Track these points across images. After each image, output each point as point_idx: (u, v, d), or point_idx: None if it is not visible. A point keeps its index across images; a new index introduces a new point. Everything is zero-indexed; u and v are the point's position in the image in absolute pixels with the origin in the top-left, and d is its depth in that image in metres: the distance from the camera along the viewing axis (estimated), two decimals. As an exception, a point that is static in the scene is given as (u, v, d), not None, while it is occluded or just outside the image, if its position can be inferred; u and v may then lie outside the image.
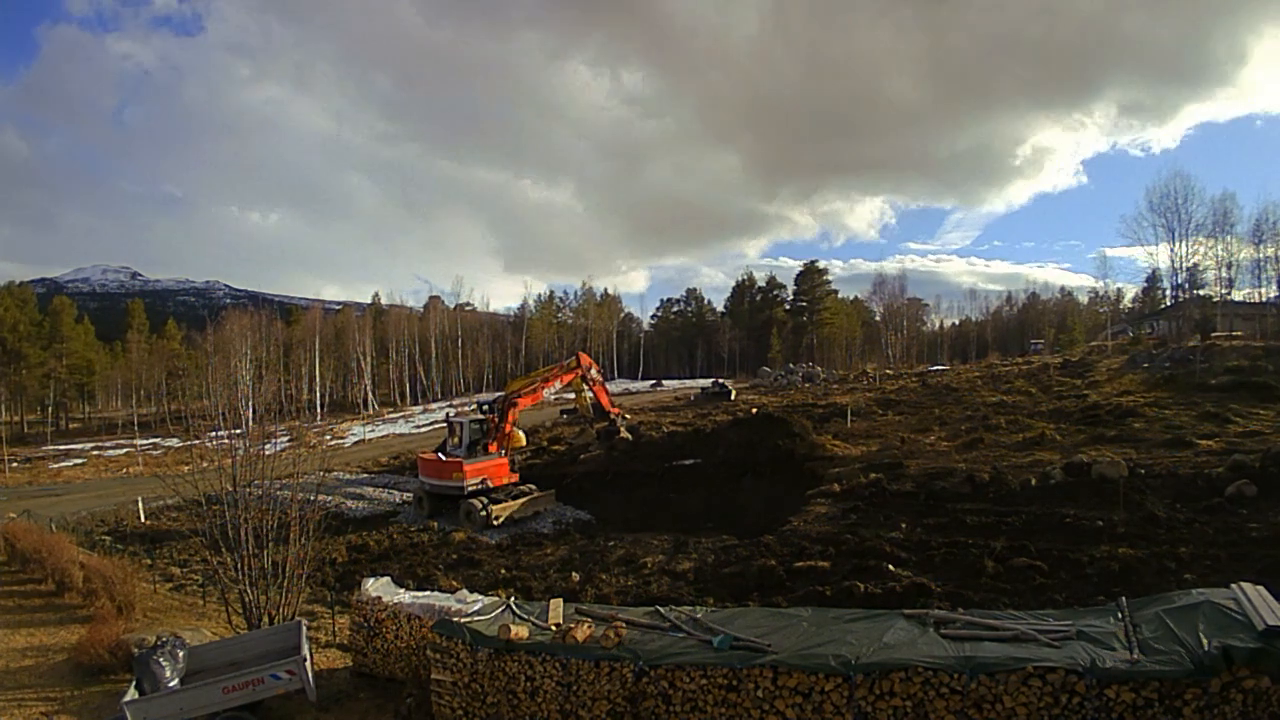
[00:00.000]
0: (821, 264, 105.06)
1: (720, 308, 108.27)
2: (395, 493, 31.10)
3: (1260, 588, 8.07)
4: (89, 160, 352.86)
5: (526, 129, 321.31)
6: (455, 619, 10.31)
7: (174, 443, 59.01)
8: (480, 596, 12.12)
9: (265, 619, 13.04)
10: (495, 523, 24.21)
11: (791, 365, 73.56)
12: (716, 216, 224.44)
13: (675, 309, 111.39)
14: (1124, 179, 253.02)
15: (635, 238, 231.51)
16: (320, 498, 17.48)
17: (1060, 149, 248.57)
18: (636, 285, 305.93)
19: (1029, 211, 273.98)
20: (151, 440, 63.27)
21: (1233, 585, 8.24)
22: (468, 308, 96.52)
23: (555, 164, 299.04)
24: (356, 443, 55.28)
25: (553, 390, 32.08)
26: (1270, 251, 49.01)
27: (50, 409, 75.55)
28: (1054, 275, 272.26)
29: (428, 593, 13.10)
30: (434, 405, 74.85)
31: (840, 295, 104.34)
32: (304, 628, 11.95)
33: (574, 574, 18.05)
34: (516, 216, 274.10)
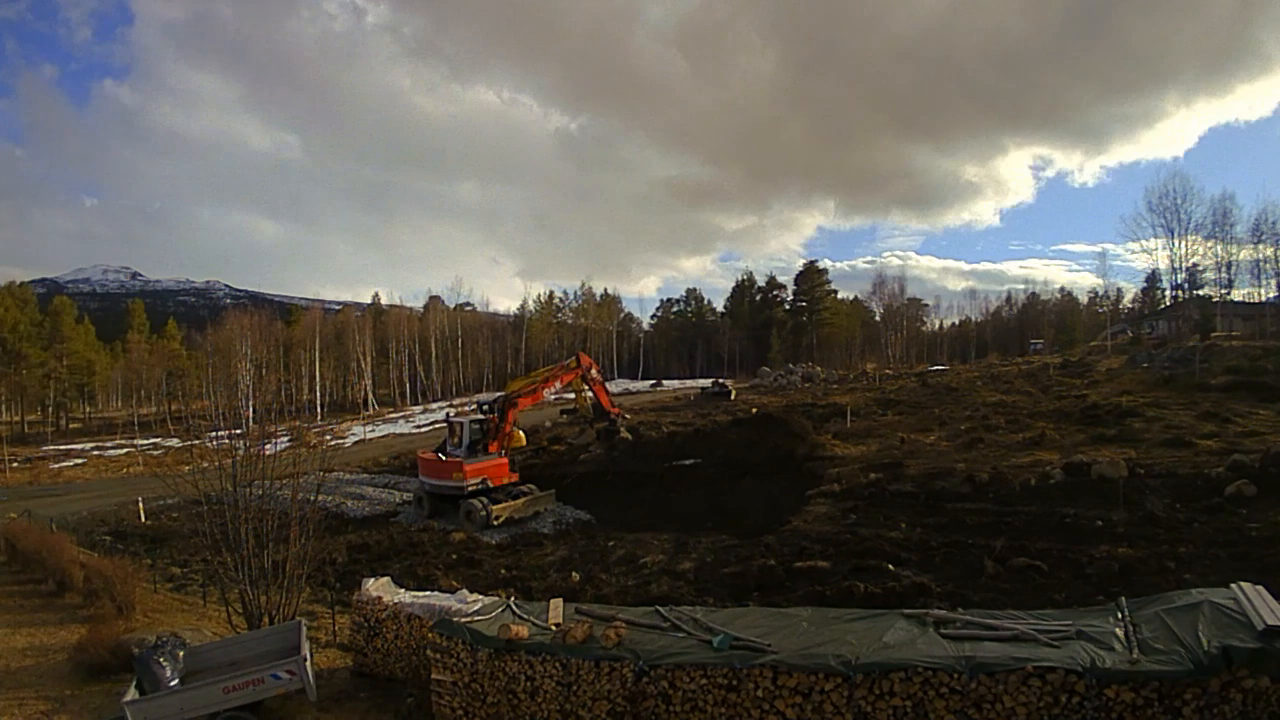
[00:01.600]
0: (822, 264, 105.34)
1: (720, 308, 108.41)
2: (395, 493, 31.12)
3: (1260, 588, 8.05)
4: (77, 168, 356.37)
5: (509, 144, 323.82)
6: (455, 619, 10.29)
7: (174, 443, 58.95)
8: (480, 596, 12.08)
9: (265, 619, 13.03)
10: (495, 523, 24.21)
11: (791, 365, 73.58)
12: (705, 227, 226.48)
13: (675, 309, 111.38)
14: (1072, 189, 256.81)
15: (630, 244, 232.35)
16: (320, 498, 17.46)
17: (1015, 171, 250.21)
18: (639, 289, 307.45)
19: (979, 218, 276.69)
20: (152, 440, 63.24)
21: (1233, 585, 8.23)
22: (467, 308, 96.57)
23: (538, 177, 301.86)
24: (357, 443, 55.29)
25: (553, 390, 32.09)
26: (1269, 251, 49.14)
27: (50, 409, 75.49)
28: (1020, 271, 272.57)
29: (428, 593, 13.08)
30: (434, 405, 74.83)
31: (840, 295, 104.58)
32: (304, 628, 11.93)
33: (574, 574, 18.03)
34: (514, 225, 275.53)
